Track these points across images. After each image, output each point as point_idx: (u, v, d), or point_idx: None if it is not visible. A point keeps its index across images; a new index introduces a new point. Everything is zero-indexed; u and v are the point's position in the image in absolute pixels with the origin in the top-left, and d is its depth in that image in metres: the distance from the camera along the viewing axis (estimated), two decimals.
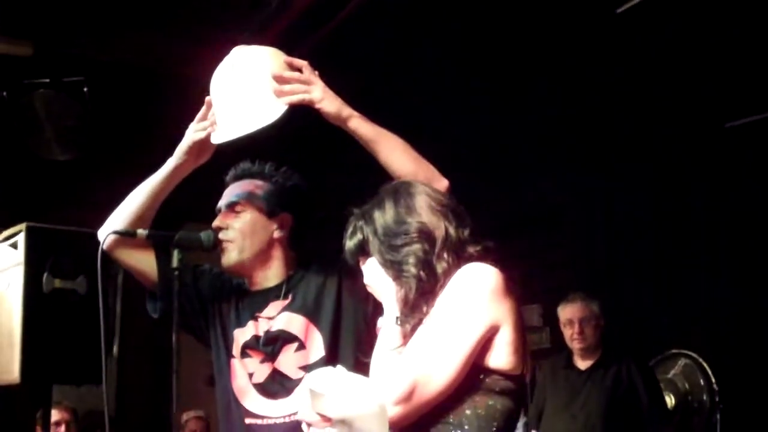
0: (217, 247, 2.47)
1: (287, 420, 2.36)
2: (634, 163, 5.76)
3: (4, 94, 4.60)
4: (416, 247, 1.92)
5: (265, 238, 2.48)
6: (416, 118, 4.85)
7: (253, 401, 2.43)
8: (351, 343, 2.40)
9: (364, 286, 2.06)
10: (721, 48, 4.47)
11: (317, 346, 2.41)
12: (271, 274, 2.50)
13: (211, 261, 2.60)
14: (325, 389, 1.73)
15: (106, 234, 2.46)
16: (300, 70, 2.35)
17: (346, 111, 2.30)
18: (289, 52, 2.43)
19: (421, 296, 1.90)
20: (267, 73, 2.33)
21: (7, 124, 4.74)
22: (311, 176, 2.64)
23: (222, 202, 2.53)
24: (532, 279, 5.88)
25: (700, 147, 5.40)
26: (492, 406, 1.85)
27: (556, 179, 6.09)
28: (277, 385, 2.41)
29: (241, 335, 2.48)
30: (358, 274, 2.07)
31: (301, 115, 2.35)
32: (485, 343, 1.85)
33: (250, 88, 2.34)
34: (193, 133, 2.44)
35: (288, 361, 2.41)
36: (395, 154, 2.29)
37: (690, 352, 5.16)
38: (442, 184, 2.25)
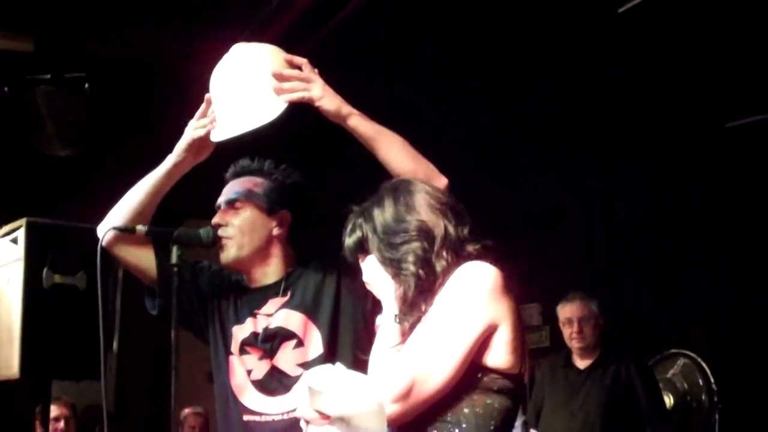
0: (216, 243, 2.47)
1: (285, 417, 2.36)
2: (634, 163, 5.77)
3: (6, 89, 4.60)
4: (415, 245, 1.92)
5: (264, 235, 2.48)
6: (416, 118, 4.86)
7: (251, 398, 2.43)
8: (349, 340, 2.40)
9: (363, 283, 2.06)
10: (722, 48, 4.47)
11: (316, 344, 2.41)
12: (270, 271, 2.50)
13: (210, 258, 2.60)
14: (324, 386, 1.73)
15: (105, 230, 2.46)
16: (300, 68, 2.35)
17: (346, 109, 2.30)
18: (290, 51, 2.43)
19: (419, 294, 1.90)
20: (267, 70, 2.33)
21: (8, 120, 4.75)
22: (311, 174, 2.64)
23: (221, 199, 2.54)
24: (532, 278, 5.89)
25: (700, 147, 5.41)
26: (490, 404, 1.85)
27: (556, 179, 6.09)
28: (275, 382, 2.41)
29: (240, 332, 2.48)
30: (357, 272, 2.07)
31: (300, 112, 2.35)
32: (483, 342, 1.85)
33: (249, 86, 2.34)
34: (192, 131, 2.44)
35: (286, 358, 2.41)
36: (394, 151, 2.29)
37: (689, 352, 5.16)
38: (442, 182, 2.25)
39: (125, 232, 2.46)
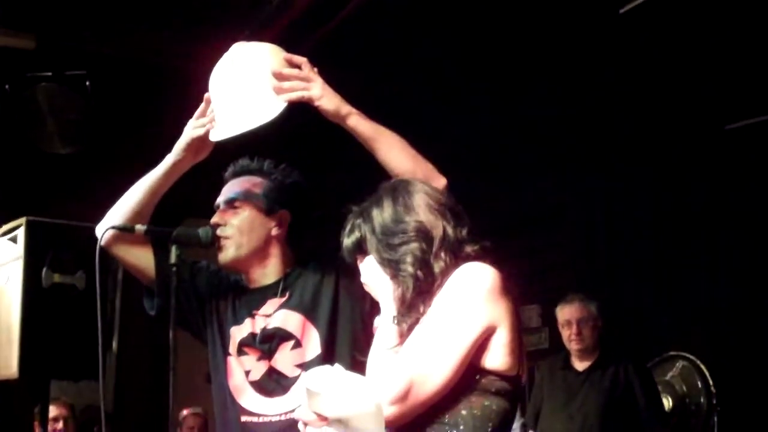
0: (215, 243, 2.46)
1: (283, 418, 2.35)
2: (634, 163, 5.77)
3: (7, 87, 4.60)
4: (414, 246, 1.92)
5: (263, 236, 2.47)
6: (416, 117, 4.86)
7: (249, 399, 2.43)
8: (347, 341, 2.40)
9: (361, 284, 2.05)
10: (722, 50, 4.47)
11: (314, 344, 2.40)
12: (269, 272, 2.50)
13: (210, 258, 2.60)
14: (322, 388, 1.73)
15: (104, 229, 2.46)
16: (299, 67, 2.34)
17: (345, 108, 2.29)
18: (290, 50, 2.42)
19: (418, 295, 1.89)
20: (266, 70, 2.32)
21: (9, 118, 4.75)
22: (310, 174, 2.64)
23: (221, 199, 2.53)
24: (532, 279, 5.89)
25: (700, 149, 5.41)
26: (488, 406, 1.85)
27: (556, 179, 6.09)
28: (273, 383, 2.41)
29: (238, 332, 2.48)
30: (355, 273, 2.06)
31: (300, 112, 2.35)
32: (481, 344, 1.84)
33: (249, 86, 2.34)
34: (191, 130, 2.44)
35: (284, 358, 2.41)
36: (394, 151, 2.29)
37: (688, 354, 5.16)
38: (441, 182, 2.25)
39: (124, 232, 2.45)
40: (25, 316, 2.70)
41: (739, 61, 4.55)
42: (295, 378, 2.34)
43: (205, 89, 2.45)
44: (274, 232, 2.49)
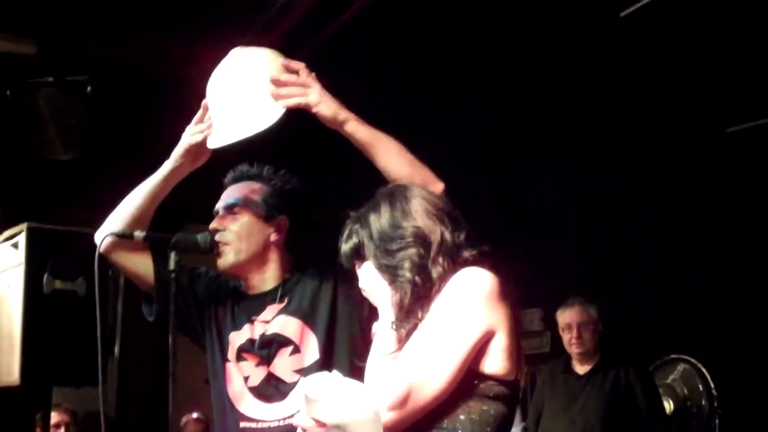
0: (214, 249, 2.46)
1: (282, 424, 2.35)
2: (634, 164, 5.77)
3: (8, 92, 4.61)
4: (412, 251, 1.92)
5: (262, 241, 2.47)
6: (417, 118, 4.87)
7: (248, 405, 2.43)
8: (346, 346, 2.39)
9: (359, 290, 2.05)
10: (723, 53, 4.47)
11: (312, 350, 2.40)
12: (268, 277, 2.50)
13: (209, 264, 2.60)
14: (320, 395, 1.73)
15: (103, 236, 2.46)
16: (297, 73, 2.34)
17: (343, 114, 2.29)
18: (292, 53, 2.42)
19: (416, 301, 1.90)
20: (264, 76, 2.32)
21: (10, 123, 4.75)
22: (308, 179, 2.64)
23: (220, 205, 2.53)
24: (534, 282, 5.89)
25: (700, 151, 5.40)
26: (486, 411, 1.85)
27: (556, 179, 6.09)
28: (272, 389, 2.40)
29: (237, 338, 2.48)
30: (353, 278, 2.07)
31: (299, 117, 2.35)
32: (480, 349, 1.84)
33: (246, 92, 2.34)
34: (189, 136, 2.44)
35: (283, 364, 2.41)
36: (391, 157, 2.28)
37: (689, 357, 5.16)
38: (438, 187, 2.24)
39: (123, 238, 2.45)
40: (26, 323, 2.70)
41: (739, 64, 4.55)
42: (294, 384, 2.34)
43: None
44: (273, 237, 2.49)
